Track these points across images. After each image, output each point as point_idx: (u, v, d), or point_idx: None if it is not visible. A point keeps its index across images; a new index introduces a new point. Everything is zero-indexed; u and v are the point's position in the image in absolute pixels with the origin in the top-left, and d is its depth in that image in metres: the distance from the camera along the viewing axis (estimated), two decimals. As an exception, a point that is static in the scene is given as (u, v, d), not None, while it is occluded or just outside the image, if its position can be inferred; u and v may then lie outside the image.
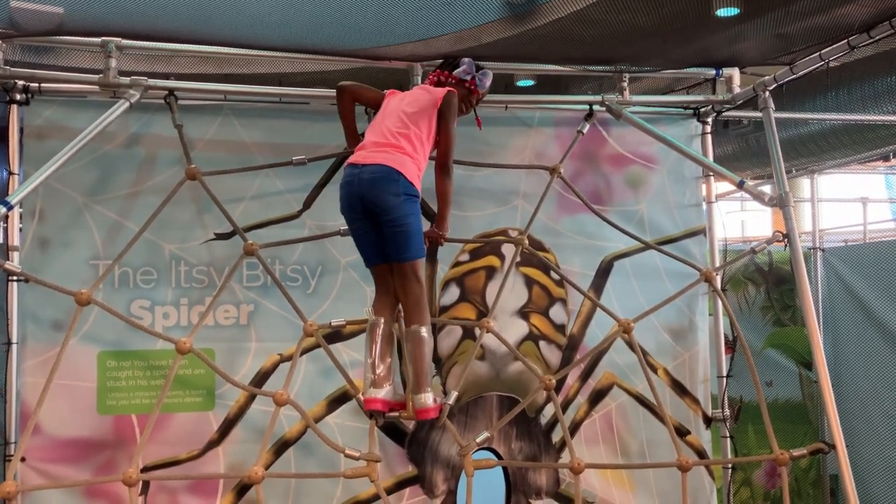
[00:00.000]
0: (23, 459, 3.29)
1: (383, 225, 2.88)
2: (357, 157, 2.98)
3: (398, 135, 2.97)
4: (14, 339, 3.41)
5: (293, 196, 3.71)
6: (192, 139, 3.56)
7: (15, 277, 3.37)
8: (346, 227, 3.10)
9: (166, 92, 3.50)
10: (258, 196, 3.68)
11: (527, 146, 3.98)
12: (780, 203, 3.48)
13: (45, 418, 3.37)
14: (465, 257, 3.94)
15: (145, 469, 3.41)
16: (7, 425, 3.38)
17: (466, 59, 3.22)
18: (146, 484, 3.45)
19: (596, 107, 3.87)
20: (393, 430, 3.77)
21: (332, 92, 3.55)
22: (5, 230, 3.50)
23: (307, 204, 3.71)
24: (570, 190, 3.83)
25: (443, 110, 3.06)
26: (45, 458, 3.40)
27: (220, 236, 3.64)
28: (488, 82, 3.27)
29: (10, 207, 3.00)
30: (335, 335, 3.63)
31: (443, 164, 3.11)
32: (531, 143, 3.99)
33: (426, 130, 3.03)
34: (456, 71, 3.21)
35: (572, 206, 3.93)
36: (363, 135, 3.20)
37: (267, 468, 3.41)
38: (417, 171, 2.95)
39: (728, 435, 4.11)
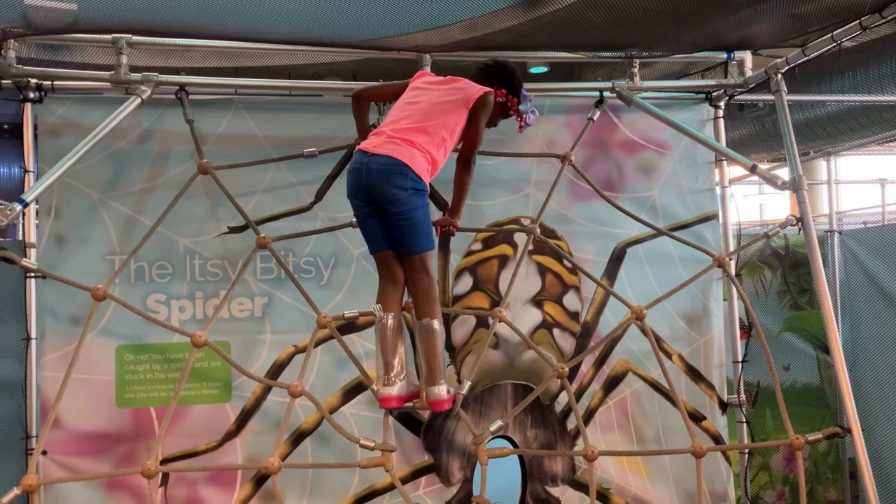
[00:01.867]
0: (44, 452, 3.35)
1: (390, 217, 2.84)
2: (368, 144, 2.90)
3: (415, 129, 2.91)
4: (33, 335, 3.46)
5: (305, 188, 3.73)
6: (204, 134, 3.58)
7: (32, 274, 3.42)
8: (359, 219, 3.09)
9: (177, 87, 3.52)
10: (270, 189, 3.70)
11: (538, 134, 3.95)
12: (794, 187, 3.43)
13: (65, 412, 3.42)
14: (478, 246, 3.94)
15: (164, 461, 3.46)
16: (28, 419, 3.44)
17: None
18: (165, 476, 3.50)
19: (606, 93, 3.85)
20: (408, 420, 3.79)
21: (343, 84, 3.58)
22: (22, 227, 3.54)
23: (319, 196, 3.73)
24: (581, 177, 3.82)
25: (476, 109, 3.01)
26: (66, 452, 3.45)
27: (234, 230, 3.66)
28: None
29: (26, 205, 3.03)
30: (349, 326, 3.65)
31: (466, 157, 3.10)
32: (542, 130, 3.96)
33: (453, 124, 2.98)
34: (521, 107, 3.22)
35: (584, 193, 3.92)
36: (374, 125, 3.21)
37: (284, 459, 3.45)
38: (427, 164, 2.88)
39: (744, 420, 4.09)
